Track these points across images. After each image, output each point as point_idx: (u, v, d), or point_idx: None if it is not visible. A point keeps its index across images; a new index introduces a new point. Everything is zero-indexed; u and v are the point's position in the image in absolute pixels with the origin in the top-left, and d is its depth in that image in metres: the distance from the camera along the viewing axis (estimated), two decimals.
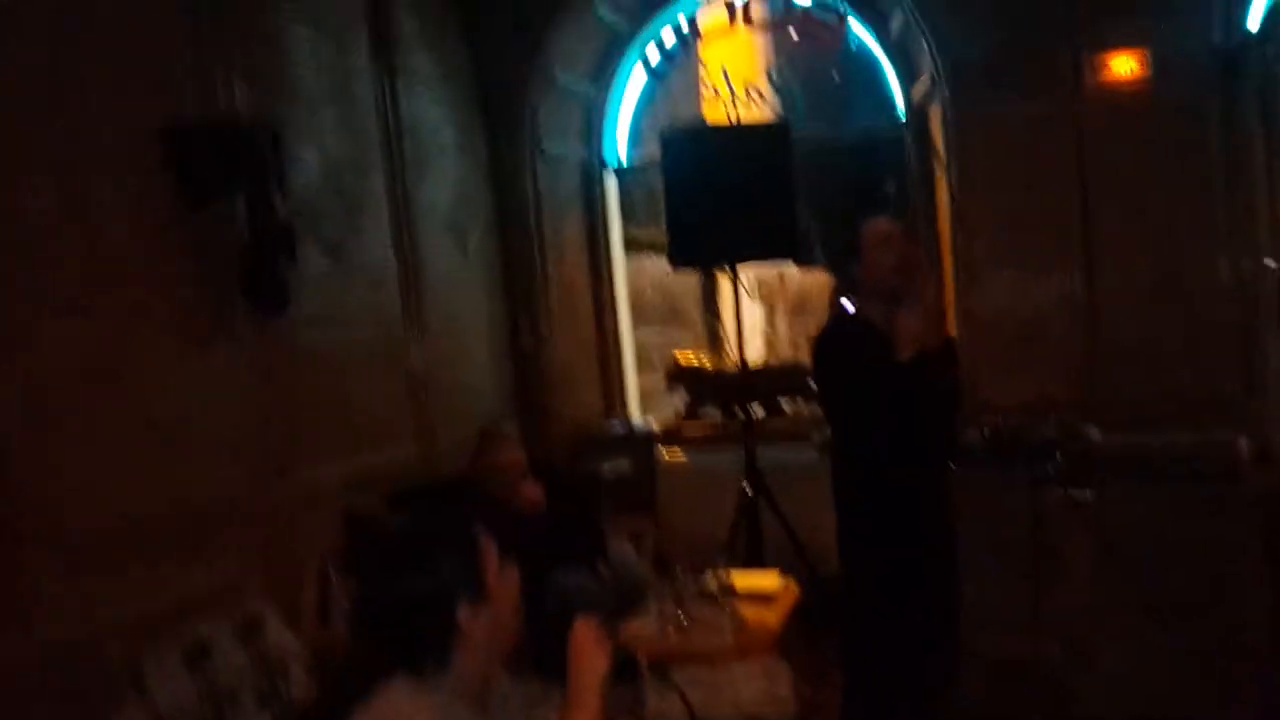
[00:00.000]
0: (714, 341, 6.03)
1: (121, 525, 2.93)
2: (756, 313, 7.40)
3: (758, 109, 5.90)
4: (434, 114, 4.75)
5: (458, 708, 1.56)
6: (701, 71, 6.37)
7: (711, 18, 5.47)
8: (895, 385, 2.94)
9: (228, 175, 3.23)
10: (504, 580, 1.66)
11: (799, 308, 12.56)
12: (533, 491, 3.88)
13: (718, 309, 4.86)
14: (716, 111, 5.97)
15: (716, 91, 6.04)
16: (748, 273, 7.87)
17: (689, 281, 6.52)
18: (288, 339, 3.69)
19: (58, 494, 2.75)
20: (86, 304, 2.92)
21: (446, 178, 4.80)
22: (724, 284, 4.93)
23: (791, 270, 14.25)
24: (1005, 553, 3.65)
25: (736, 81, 6.13)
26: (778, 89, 5.56)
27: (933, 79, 4.69)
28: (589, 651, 1.64)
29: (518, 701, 1.74)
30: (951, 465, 3.32)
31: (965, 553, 3.60)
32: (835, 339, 3.20)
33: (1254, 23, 4.19)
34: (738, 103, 6.05)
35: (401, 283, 4.37)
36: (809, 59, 6.22)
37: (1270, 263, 4.05)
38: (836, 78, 5.81)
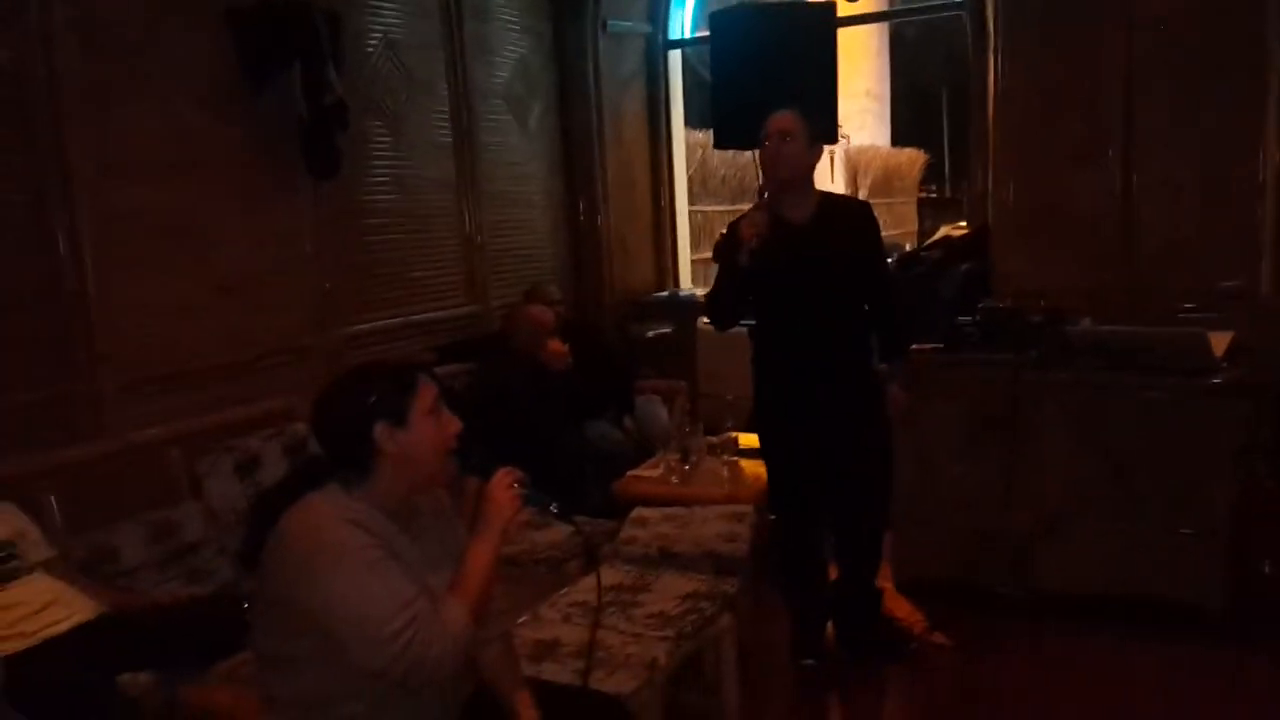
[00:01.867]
0: None
1: (183, 356, 3.50)
2: (836, 188, 7.39)
3: None
4: None
5: (373, 515, 1.78)
6: None
7: None
8: (734, 281, 3.09)
9: (284, 54, 3.65)
10: (436, 422, 1.84)
11: (883, 181, 12.40)
12: (557, 347, 4.28)
13: None
14: None
15: None
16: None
17: None
18: (345, 202, 4.16)
19: (128, 326, 3.32)
20: (159, 169, 3.44)
21: (508, 57, 5.09)
22: None
23: (884, 145, 13.91)
24: (987, 431, 3.90)
25: None
26: None
27: None
28: (501, 495, 1.91)
29: (441, 525, 2.00)
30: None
31: (939, 433, 3.90)
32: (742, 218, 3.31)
33: None
34: None
35: (457, 154, 4.76)
36: None
37: None
38: None
